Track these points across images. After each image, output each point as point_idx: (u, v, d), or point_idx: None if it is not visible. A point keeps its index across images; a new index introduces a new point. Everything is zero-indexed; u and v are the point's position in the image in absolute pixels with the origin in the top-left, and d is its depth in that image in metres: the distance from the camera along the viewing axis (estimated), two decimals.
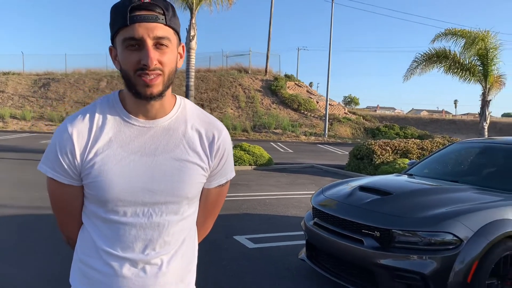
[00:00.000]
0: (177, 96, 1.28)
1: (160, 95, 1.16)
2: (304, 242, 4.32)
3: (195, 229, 1.34)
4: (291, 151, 19.15)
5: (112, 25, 1.14)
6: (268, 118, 27.41)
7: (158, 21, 1.11)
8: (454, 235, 3.19)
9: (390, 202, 3.66)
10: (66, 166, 1.16)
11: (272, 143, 22.92)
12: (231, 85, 30.93)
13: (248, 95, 30.27)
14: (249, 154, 12.37)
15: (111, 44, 1.18)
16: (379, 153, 11.24)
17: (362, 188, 4.01)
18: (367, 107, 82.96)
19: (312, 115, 29.44)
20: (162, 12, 1.12)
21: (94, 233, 1.20)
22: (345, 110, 33.30)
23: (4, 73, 31.34)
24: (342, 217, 3.67)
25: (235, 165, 9.87)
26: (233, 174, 1.37)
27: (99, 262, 1.19)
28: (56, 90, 29.30)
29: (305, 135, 26.37)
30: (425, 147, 11.59)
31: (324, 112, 27.27)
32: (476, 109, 14.33)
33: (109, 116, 1.19)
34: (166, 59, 1.13)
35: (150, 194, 1.17)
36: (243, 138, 24.11)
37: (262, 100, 30.07)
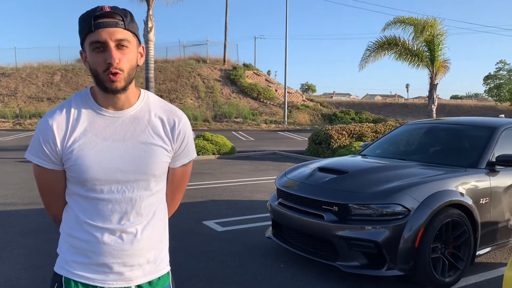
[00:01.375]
0: (141, 89, 1.50)
1: (124, 88, 1.37)
2: (270, 222, 4.65)
3: (164, 204, 1.55)
4: (252, 139, 19.49)
5: (81, 32, 1.35)
6: (228, 107, 27.58)
7: (118, 26, 1.33)
8: (403, 206, 3.59)
9: (346, 180, 4.03)
10: (49, 153, 1.37)
11: (233, 132, 23.15)
12: (190, 75, 30.79)
13: (207, 85, 30.27)
14: (212, 143, 12.57)
15: (81, 49, 1.39)
16: (336, 137, 11.77)
17: (321, 169, 4.36)
18: (324, 94, 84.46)
19: (272, 103, 29.88)
20: (121, 18, 1.34)
21: (77, 209, 1.41)
22: (303, 97, 33.98)
23: None
24: (304, 196, 4.01)
25: (198, 154, 10.22)
26: (194, 155, 1.58)
27: (83, 233, 1.40)
28: (7, 85, 28.11)
29: (266, 123, 26.78)
30: (379, 130, 12.22)
31: (283, 100, 27.76)
32: (427, 93, 15.12)
33: (83, 109, 1.40)
34: (127, 58, 1.35)
35: (122, 173, 1.38)
36: (205, 128, 24.19)
37: (221, 89, 30.16)
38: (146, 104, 1.46)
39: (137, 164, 1.39)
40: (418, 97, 75.63)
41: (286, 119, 27.17)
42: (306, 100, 33.03)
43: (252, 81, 31.73)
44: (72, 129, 1.37)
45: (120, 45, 1.33)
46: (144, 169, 1.40)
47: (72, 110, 1.39)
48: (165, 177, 1.52)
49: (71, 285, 1.42)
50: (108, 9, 1.32)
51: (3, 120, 24.39)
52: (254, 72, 33.50)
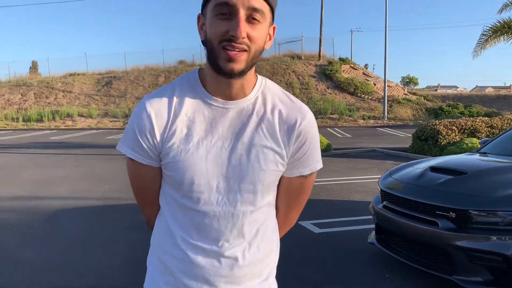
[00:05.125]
0: (259, 76, 1.20)
1: (242, 73, 1.07)
2: (372, 226, 4.25)
3: (273, 220, 1.26)
4: (349, 136, 18.80)
5: None
6: (323, 103, 27.04)
7: None
8: None
9: (465, 181, 3.50)
10: (145, 146, 1.12)
11: (329, 128, 22.62)
12: (285, 72, 30.79)
13: (302, 81, 30.01)
14: None
15: (200, 12, 1.11)
16: (444, 133, 10.74)
17: (434, 169, 3.86)
18: (427, 87, 79.02)
19: (370, 98, 28.66)
20: None
21: (170, 218, 1.18)
22: (404, 91, 32.09)
23: (71, 74, 33.35)
24: (414, 199, 3.56)
25: None
26: (319, 165, 1.24)
27: (174, 248, 1.17)
28: (118, 87, 30.67)
29: (363, 119, 25.75)
30: (495, 125, 10.91)
31: (383, 94, 26.45)
32: None
33: (187, 95, 1.13)
34: (256, 34, 1.04)
35: (225, 180, 1.12)
36: None
37: (316, 85, 29.69)
38: (263, 95, 1.16)
39: (243, 170, 1.12)
40: None
41: (386, 114, 25.82)
42: (408, 94, 31.13)
43: (349, 76, 30.75)
44: (174, 119, 1.11)
45: (251, 17, 1.03)
46: (251, 177, 1.12)
47: (176, 95, 1.13)
48: (275, 189, 1.22)
49: None
50: None
51: (114, 119, 26.64)
52: (350, 66, 32.46)
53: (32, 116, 27.31)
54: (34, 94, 30.99)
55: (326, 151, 12.35)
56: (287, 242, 4.78)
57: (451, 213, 3.24)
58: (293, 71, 30.92)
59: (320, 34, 32.33)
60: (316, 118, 22.17)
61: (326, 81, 30.17)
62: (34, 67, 44.27)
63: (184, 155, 1.11)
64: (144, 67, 32.79)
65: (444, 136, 10.67)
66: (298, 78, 30.32)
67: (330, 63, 31.82)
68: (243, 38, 1.02)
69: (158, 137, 1.11)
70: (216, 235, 1.15)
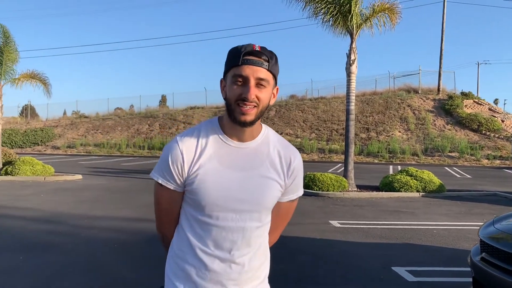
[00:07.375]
0: (263, 125, 1.54)
1: (252, 123, 1.41)
2: (471, 279, 3.78)
3: (267, 236, 1.57)
4: (469, 176, 17.16)
5: (227, 63, 1.42)
6: (441, 140, 25.22)
7: (263, 66, 1.38)
8: None
9: None
10: (175, 175, 1.43)
11: (446, 167, 20.93)
12: (399, 106, 29.55)
13: (418, 116, 28.45)
14: (416, 179, 11.50)
15: (222, 77, 1.47)
16: None
17: None
18: None
19: (496, 135, 25.96)
20: (267, 59, 1.39)
21: (190, 232, 1.46)
22: None
23: (191, 108, 36.24)
24: None
25: (400, 191, 9.52)
26: (301, 192, 1.60)
27: (193, 257, 1.45)
28: None
29: (488, 159, 23.34)
30: None
31: None
32: None
33: (211, 137, 1.46)
34: (262, 96, 1.40)
35: (239, 202, 1.42)
36: (413, 162, 22.60)
37: (434, 121, 27.89)
38: (267, 139, 1.51)
39: (253, 195, 1.43)
40: None
41: None
42: None
43: (472, 111, 28.35)
44: (200, 154, 1.43)
45: (259, 84, 1.39)
46: (260, 201, 1.44)
47: (202, 136, 1.46)
48: (271, 211, 1.54)
49: None
50: (258, 49, 1.39)
51: None
52: (474, 101, 29.94)
53: (155, 145, 30.16)
54: (159, 125, 34.27)
55: (438, 192, 11.42)
56: (376, 287, 4.49)
57: None
58: (409, 105, 29.54)
59: (440, 67, 30.59)
60: (433, 156, 20.73)
61: (445, 117, 28.23)
62: (163, 100, 49.06)
63: (206, 183, 1.41)
64: None
65: None
66: (413, 112, 28.85)
67: (450, 97, 29.79)
68: (253, 98, 1.38)
69: (186, 168, 1.43)
70: (230, 245, 1.44)
